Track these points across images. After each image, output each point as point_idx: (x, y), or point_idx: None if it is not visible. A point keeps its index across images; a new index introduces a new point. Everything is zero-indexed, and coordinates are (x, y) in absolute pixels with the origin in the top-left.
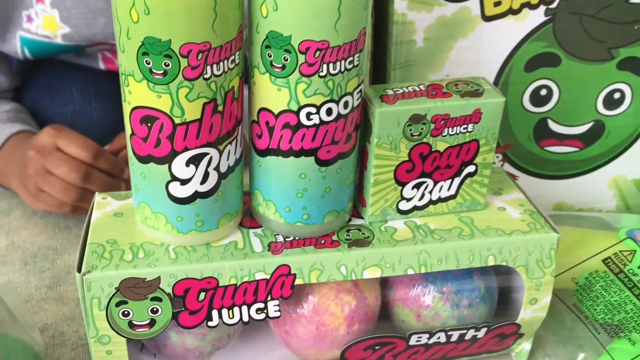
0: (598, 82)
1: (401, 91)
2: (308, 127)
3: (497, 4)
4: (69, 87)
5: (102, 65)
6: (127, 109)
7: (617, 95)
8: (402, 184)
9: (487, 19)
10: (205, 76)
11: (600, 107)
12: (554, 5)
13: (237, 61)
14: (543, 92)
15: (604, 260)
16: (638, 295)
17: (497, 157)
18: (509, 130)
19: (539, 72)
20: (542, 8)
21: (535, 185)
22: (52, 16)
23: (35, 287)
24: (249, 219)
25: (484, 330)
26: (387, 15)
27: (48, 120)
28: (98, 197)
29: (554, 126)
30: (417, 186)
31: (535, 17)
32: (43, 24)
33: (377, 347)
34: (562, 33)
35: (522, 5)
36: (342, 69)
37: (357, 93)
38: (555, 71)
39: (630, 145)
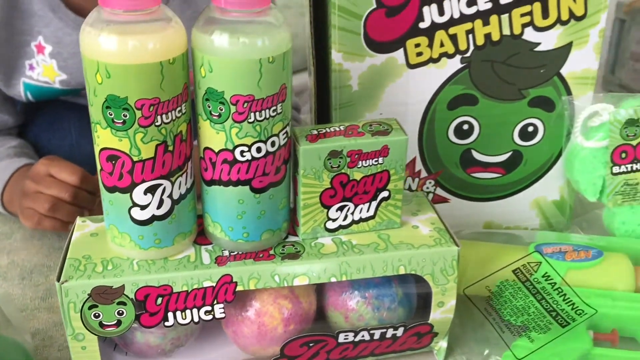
0: (512, 117)
1: (324, 131)
2: (242, 162)
3: (419, 54)
4: (67, 123)
5: None
6: (96, 149)
7: (530, 129)
8: (327, 207)
9: (411, 66)
10: (157, 124)
11: (517, 139)
12: (468, 55)
13: (183, 111)
14: (465, 127)
15: (514, 271)
16: (540, 300)
17: (430, 182)
18: (439, 159)
19: (460, 110)
20: (458, 57)
21: (466, 206)
22: (51, 65)
23: (30, 299)
24: (202, 237)
25: (401, 329)
26: (328, 65)
27: (49, 153)
28: (79, 220)
29: (477, 156)
30: (341, 209)
31: (453, 64)
32: (43, 72)
33: (311, 344)
34: (477, 77)
35: (441, 55)
36: (267, 116)
37: (283, 134)
38: (474, 109)
39: (547, 171)
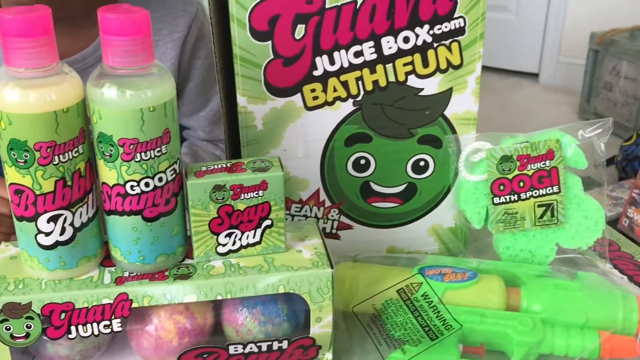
0: (405, 153)
1: (211, 168)
2: (132, 195)
3: (315, 98)
4: None
5: None
6: (7, 184)
7: (422, 163)
8: (217, 234)
9: (309, 109)
10: (54, 163)
11: (411, 172)
12: (359, 98)
13: (81, 151)
14: (362, 161)
15: (398, 291)
16: (417, 317)
17: (335, 211)
18: (340, 190)
19: (357, 147)
20: (351, 100)
21: (369, 233)
22: None
23: None
24: (108, 260)
25: (286, 342)
26: (236, 107)
27: None
28: (2, 245)
29: (375, 187)
30: (229, 235)
31: (346, 107)
32: None
33: (205, 355)
34: (369, 118)
35: (335, 99)
36: (153, 156)
37: (170, 171)
38: (369, 146)
39: (441, 201)
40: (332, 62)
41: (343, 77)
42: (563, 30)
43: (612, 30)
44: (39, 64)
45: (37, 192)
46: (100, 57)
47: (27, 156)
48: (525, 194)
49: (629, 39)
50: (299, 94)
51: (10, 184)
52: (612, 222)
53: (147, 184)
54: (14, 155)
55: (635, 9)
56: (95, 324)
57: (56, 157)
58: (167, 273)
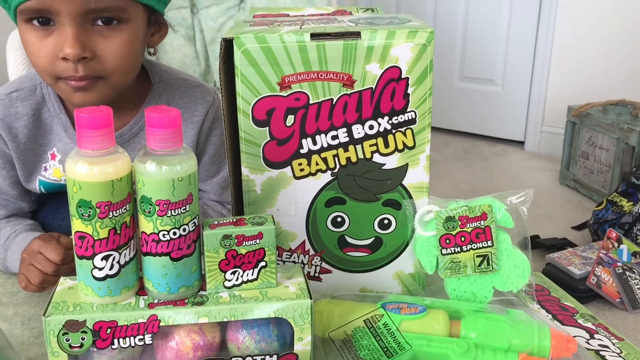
0: (372, 213)
1: (221, 222)
2: (164, 241)
3: (301, 170)
4: (67, 209)
5: None
6: (73, 231)
7: (386, 221)
8: (224, 272)
9: (297, 178)
10: (109, 217)
11: (377, 229)
12: (336, 170)
13: (127, 209)
14: (339, 219)
15: (364, 321)
16: (378, 341)
17: (317, 258)
18: (322, 242)
19: (334, 208)
20: (329, 172)
21: (344, 276)
22: (59, 168)
23: (27, 337)
24: (142, 290)
25: (275, 357)
26: (241, 176)
27: (53, 229)
28: (62, 279)
29: (349, 240)
30: (233, 273)
31: (326, 177)
32: (53, 172)
33: None
34: (343, 186)
35: (317, 171)
36: (179, 213)
37: (192, 223)
38: (344, 207)
39: (402, 252)
40: (314, 143)
41: (323, 154)
42: (545, 103)
43: (587, 105)
44: (101, 147)
45: (95, 238)
46: (137, 130)
47: (90, 212)
48: (466, 247)
49: (602, 113)
50: (289, 167)
51: (76, 231)
52: (582, 280)
53: (174, 233)
54: (81, 211)
55: (608, 85)
56: (132, 338)
57: (111, 213)
58: (186, 300)
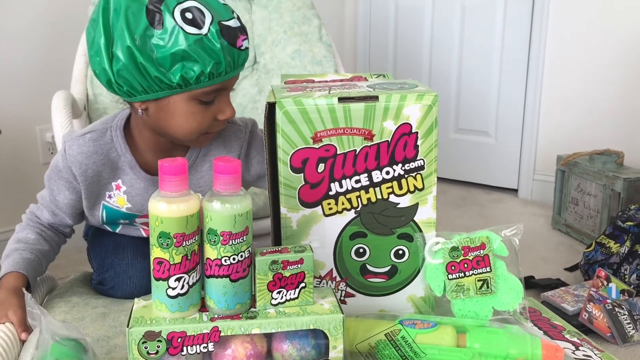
0: (389, 245)
1: (270, 250)
2: (225, 265)
3: (330, 209)
4: (125, 249)
5: (143, 234)
6: (152, 258)
7: (400, 252)
8: (271, 292)
9: (326, 215)
10: (182, 246)
11: (393, 258)
12: (358, 209)
13: (196, 239)
14: (361, 250)
15: (385, 335)
16: (397, 351)
17: (343, 284)
18: (346, 270)
19: (357, 240)
20: (353, 211)
21: (366, 300)
22: (123, 198)
23: (100, 354)
24: (204, 307)
25: None
26: (279, 214)
27: (112, 268)
28: (136, 300)
29: (370, 268)
30: (279, 292)
31: (350, 215)
32: (117, 200)
33: None
34: (365, 222)
35: (343, 209)
36: (238, 242)
37: (247, 251)
38: (365, 240)
39: (414, 278)
40: (341, 186)
41: (348, 196)
42: (536, 153)
43: (574, 154)
44: (178, 190)
45: (171, 263)
46: (188, 169)
47: (168, 241)
48: (469, 272)
49: (589, 162)
50: (320, 206)
51: (155, 258)
52: (575, 316)
53: (234, 259)
54: (161, 240)
55: (594, 135)
56: (197, 346)
57: (184, 242)
58: (241, 315)
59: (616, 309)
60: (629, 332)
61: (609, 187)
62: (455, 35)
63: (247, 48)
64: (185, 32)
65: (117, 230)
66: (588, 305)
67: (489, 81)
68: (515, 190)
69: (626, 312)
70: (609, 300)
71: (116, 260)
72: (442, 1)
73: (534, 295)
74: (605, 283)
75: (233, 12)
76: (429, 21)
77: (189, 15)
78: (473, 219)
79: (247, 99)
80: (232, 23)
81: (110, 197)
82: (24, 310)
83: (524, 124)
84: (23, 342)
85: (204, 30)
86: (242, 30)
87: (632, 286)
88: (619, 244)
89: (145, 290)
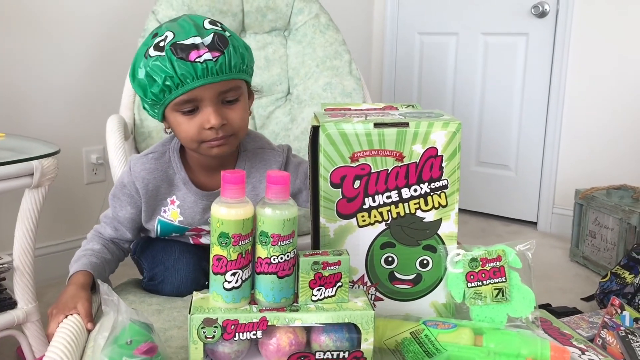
0: (415, 255)
1: (312, 253)
2: (273, 264)
3: (363, 221)
4: (172, 248)
5: (191, 241)
6: (211, 255)
7: (425, 262)
8: (312, 289)
9: (360, 227)
10: (239, 245)
11: (418, 267)
12: (389, 222)
13: (250, 240)
14: (390, 259)
15: (410, 333)
16: (421, 347)
17: (373, 289)
18: (376, 276)
19: (387, 250)
20: (383, 223)
21: (393, 304)
22: (176, 212)
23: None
24: (253, 301)
25: (346, 353)
26: (319, 224)
27: (162, 264)
28: (195, 293)
29: (397, 275)
30: (318, 290)
31: (381, 227)
32: (171, 214)
33: (302, 357)
34: (394, 233)
35: (375, 221)
36: (286, 244)
37: (292, 252)
38: (394, 250)
39: (437, 286)
40: (374, 201)
41: (380, 210)
42: (556, 187)
43: (592, 189)
44: (237, 197)
45: (229, 259)
46: None
47: (227, 241)
48: (486, 282)
49: (606, 196)
50: (354, 218)
51: (215, 255)
52: (590, 341)
53: (281, 258)
54: (221, 240)
55: (612, 170)
56: (247, 333)
57: (240, 242)
58: (285, 308)
59: (629, 336)
60: None
61: (625, 220)
62: (477, 72)
63: (208, 60)
64: (151, 56)
65: (166, 237)
66: (602, 332)
67: (510, 116)
68: (535, 223)
69: (639, 340)
70: (622, 328)
71: (165, 257)
72: (466, 39)
73: None
74: (619, 311)
75: (205, 31)
76: (452, 58)
77: (161, 44)
78: None
79: (280, 127)
80: (190, 41)
81: (165, 211)
82: (90, 304)
83: (543, 159)
84: (89, 331)
85: (163, 52)
86: (199, 46)
87: None
88: (633, 275)
89: (191, 283)
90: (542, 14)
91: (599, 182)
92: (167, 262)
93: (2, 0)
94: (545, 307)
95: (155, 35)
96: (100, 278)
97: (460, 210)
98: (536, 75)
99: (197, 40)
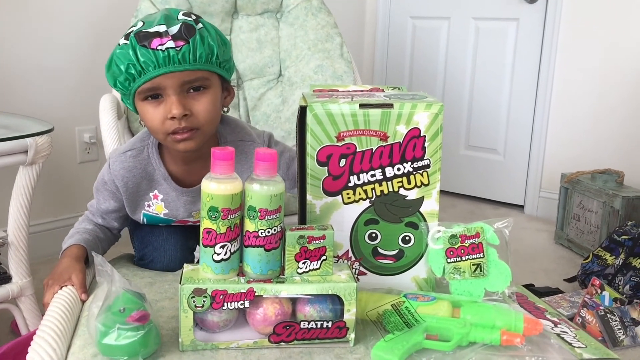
0: (397, 232)
1: (298, 227)
2: (261, 237)
3: (348, 198)
4: (159, 228)
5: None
6: (201, 229)
7: (407, 238)
8: (297, 262)
9: (345, 204)
10: (228, 219)
11: (401, 243)
12: (372, 199)
13: (239, 214)
14: (373, 235)
15: (391, 305)
16: (401, 318)
17: (357, 264)
18: (360, 251)
19: (370, 227)
20: (367, 201)
21: (376, 278)
22: (161, 205)
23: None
24: (242, 272)
25: (330, 323)
26: (306, 200)
27: (151, 243)
28: (185, 265)
29: (380, 250)
30: (304, 263)
31: (365, 204)
32: (156, 208)
33: (288, 327)
34: (378, 210)
35: (359, 199)
36: (272, 218)
37: (279, 226)
38: (377, 226)
39: (418, 261)
40: (359, 179)
41: (364, 187)
42: (543, 171)
43: (577, 173)
44: (226, 172)
45: (218, 232)
46: None
47: (216, 214)
48: (465, 257)
49: (590, 180)
50: (340, 195)
51: (205, 228)
52: (569, 319)
53: (268, 232)
54: (210, 213)
55: (597, 155)
56: (235, 302)
57: (229, 216)
58: (272, 280)
59: (608, 315)
60: (620, 337)
61: (608, 204)
62: (468, 56)
63: (170, 48)
64: (119, 45)
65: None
66: (582, 311)
67: (499, 101)
68: (522, 207)
69: (617, 319)
70: (601, 307)
71: (153, 237)
72: (458, 23)
73: None
74: (599, 291)
75: (174, 21)
76: (444, 42)
77: (129, 33)
78: None
79: (271, 109)
80: (155, 29)
81: (149, 206)
82: (84, 275)
83: (531, 143)
84: (83, 302)
85: (128, 41)
86: (162, 34)
87: (625, 295)
88: (614, 256)
89: (179, 262)
90: (533, 0)
91: (585, 167)
92: (155, 243)
93: None
94: (528, 287)
95: (132, 26)
96: (93, 247)
97: (449, 193)
98: (526, 61)
99: (162, 28)
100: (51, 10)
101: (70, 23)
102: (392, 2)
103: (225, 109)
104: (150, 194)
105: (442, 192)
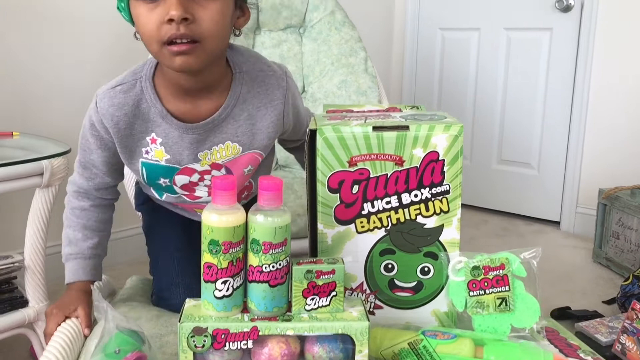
0: (415, 262)
1: (305, 261)
2: (265, 272)
3: (362, 227)
4: (173, 263)
5: (187, 215)
6: (202, 263)
7: (426, 269)
8: (305, 298)
9: (358, 233)
10: (229, 253)
11: (419, 274)
12: (388, 228)
13: (241, 247)
14: (390, 266)
15: (408, 344)
16: (418, 358)
17: (372, 296)
18: (376, 283)
19: (386, 257)
20: (383, 229)
21: (393, 312)
22: (161, 150)
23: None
24: (246, 309)
25: None
26: (317, 229)
27: (156, 225)
28: (187, 300)
29: (398, 282)
30: (312, 299)
31: (380, 233)
32: (155, 154)
33: None
34: (394, 240)
35: (374, 227)
36: (277, 252)
37: (285, 260)
38: (394, 256)
39: (438, 294)
40: (373, 207)
41: (379, 215)
42: (579, 186)
43: (616, 188)
44: (227, 203)
45: (219, 267)
46: (225, 117)
47: (217, 248)
48: (489, 290)
49: (630, 196)
50: (353, 224)
51: (205, 262)
52: (608, 347)
53: (273, 266)
54: (211, 247)
55: (636, 169)
56: (238, 342)
57: (231, 249)
58: (278, 318)
59: None
60: None
61: None
62: (500, 68)
63: None
64: None
65: (162, 198)
66: (621, 337)
67: (533, 113)
68: (557, 223)
69: None
70: None
71: (161, 215)
72: (488, 34)
73: (568, 326)
74: (639, 316)
75: None
76: (474, 54)
77: None
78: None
79: None
80: None
81: (147, 152)
82: (90, 309)
83: (567, 157)
84: (86, 337)
85: None
86: None
87: None
88: None
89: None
90: (567, 8)
91: (624, 182)
92: (170, 281)
93: (18, 0)
94: (564, 310)
95: None
96: (98, 273)
97: (481, 208)
98: (560, 72)
99: None
100: (71, 31)
101: (90, 44)
102: (420, 13)
103: (237, 32)
104: (147, 138)
105: (473, 207)
